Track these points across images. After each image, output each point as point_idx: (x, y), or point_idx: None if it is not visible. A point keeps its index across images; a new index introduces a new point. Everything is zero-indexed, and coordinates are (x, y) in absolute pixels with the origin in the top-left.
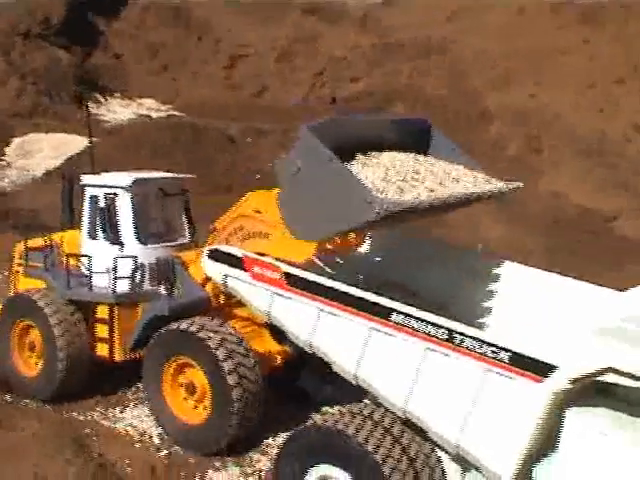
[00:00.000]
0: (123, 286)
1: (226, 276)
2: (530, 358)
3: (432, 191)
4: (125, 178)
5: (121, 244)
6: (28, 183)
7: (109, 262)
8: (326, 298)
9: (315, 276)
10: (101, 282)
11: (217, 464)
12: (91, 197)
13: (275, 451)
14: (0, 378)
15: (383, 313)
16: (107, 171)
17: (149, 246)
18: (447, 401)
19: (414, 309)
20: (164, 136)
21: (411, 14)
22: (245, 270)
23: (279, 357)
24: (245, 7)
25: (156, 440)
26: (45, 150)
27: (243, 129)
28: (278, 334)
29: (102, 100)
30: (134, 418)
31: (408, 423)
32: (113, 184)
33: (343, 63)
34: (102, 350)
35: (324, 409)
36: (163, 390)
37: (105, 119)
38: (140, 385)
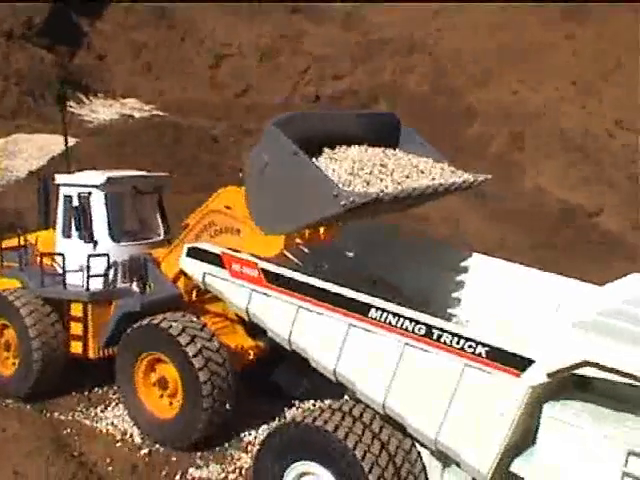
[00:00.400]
0: (97, 284)
1: (205, 274)
2: (508, 352)
3: (399, 183)
4: (98, 177)
5: (95, 242)
6: (12, 184)
7: (83, 260)
8: (305, 295)
9: (293, 273)
10: (75, 280)
11: (198, 462)
12: (65, 196)
13: (256, 449)
14: None
15: (362, 309)
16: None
17: (122, 244)
18: (426, 396)
19: (392, 305)
20: (147, 136)
21: (394, 12)
22: (224, 267)
23: (252, 352)
24: (229, 6)
25: (137, 439)
26: (29, 151)
27: (227, 128)
28: (252, 329)
29: (85, 100)
30: (115, 417)
31: (388, 419)
32: (86, 183)
33: (327, 61)
34: (76, 348)
35: (300, 404)
36: (136, 388)
37: (88, 119)
38: None
